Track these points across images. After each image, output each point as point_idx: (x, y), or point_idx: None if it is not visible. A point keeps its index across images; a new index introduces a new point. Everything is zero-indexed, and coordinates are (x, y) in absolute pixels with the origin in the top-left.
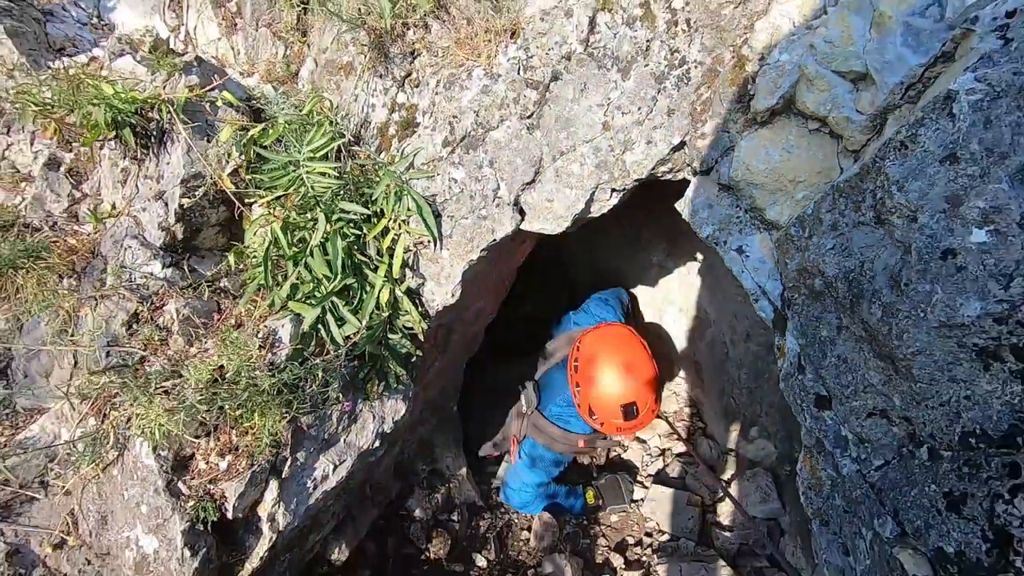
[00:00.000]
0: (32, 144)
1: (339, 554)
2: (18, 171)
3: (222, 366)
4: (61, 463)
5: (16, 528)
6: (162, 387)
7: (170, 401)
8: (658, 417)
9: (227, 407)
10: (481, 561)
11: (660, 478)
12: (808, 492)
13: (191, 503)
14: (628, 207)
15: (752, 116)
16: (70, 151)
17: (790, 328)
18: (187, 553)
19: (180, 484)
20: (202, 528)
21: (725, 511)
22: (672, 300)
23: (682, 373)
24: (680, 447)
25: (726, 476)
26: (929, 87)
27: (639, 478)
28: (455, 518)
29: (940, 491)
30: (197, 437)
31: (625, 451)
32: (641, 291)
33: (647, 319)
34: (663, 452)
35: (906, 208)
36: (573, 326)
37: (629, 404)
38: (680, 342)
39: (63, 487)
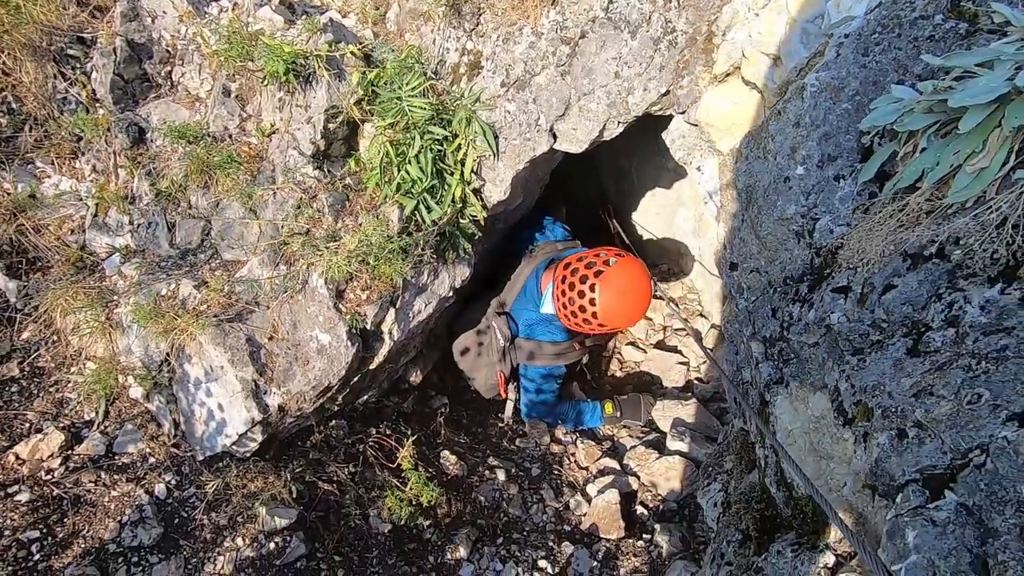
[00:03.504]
0: (199, 73)
1: (415, 377)
2: (190, 93)
3: (368, 235)
4: (265, 292)
5: (246, 326)
6: (327, 247)
7: (335, 254)
8: (663, 300)
9: (370, 259)
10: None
11: (658, 345)
12: (724, 324)
13: (348, 316)
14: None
15: (714, 76)
16: (234, 82)
17: (721, 220)
18: (349, 344)
19: (340, 306)
20: (355, 332)
21: (704, 370)
22: (683, 202)
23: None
24: (678, 324)
25: (711, 345)
26: (810, 71)
27: (641, 345)
28: None
29: (771, 307)
30: (348, 280)
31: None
32: (657, 192)
33: (662, 219)
34: (664, 328)
35: (774, 149)
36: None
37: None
38: (688, 238)
39: (267, 306)
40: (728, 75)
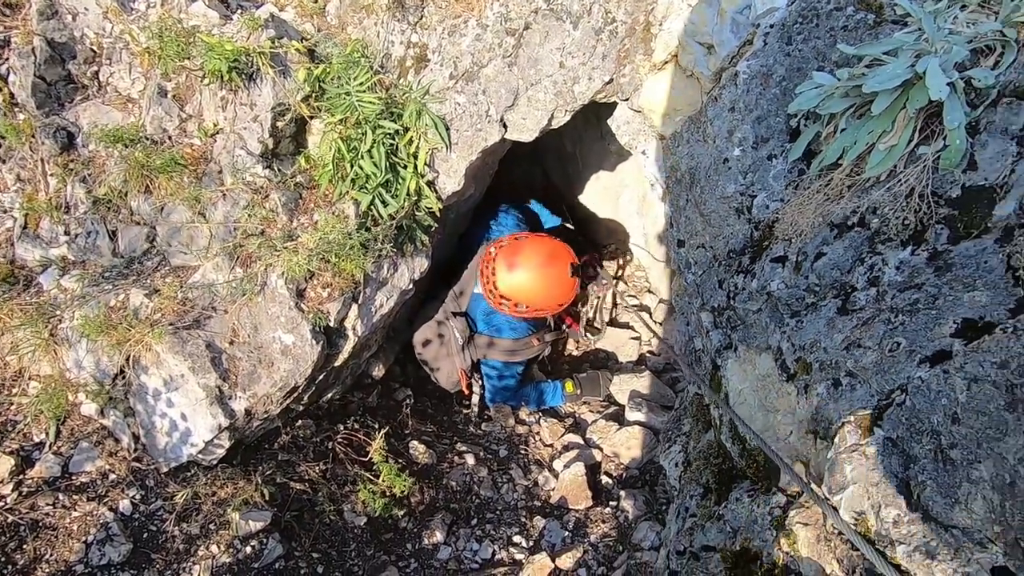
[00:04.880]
0: (130, 72)
1: (378, 371)
2: (121, 94)
3: (326, 233)
4: (222, 296)
5: (204, 332)
6: (284, 246)
7: (294, 253)
8: (614, 279)
9: (330, 257)
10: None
11: (611, 323)
12: (674, 298)
13: (311, 315)
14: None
15: (653, 64)
16: (170, 81)
17: (667, 201)
18: (314, 342)
19: (302, 305)
20: (319, 330)
21: (655, 343)
22: (627, 183)
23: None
24: (631, 300)
25: (660, 318)
26: (741, 59)
27: (596, 325)
28: None
29: (717, 279)
30: (309, 278)
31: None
32: (602, 175)
33: (607, 201)
34: (615, 305)
35: (713, 133)
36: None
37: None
38: (633, 219)
39: (225, 310)
40: (667, 63)
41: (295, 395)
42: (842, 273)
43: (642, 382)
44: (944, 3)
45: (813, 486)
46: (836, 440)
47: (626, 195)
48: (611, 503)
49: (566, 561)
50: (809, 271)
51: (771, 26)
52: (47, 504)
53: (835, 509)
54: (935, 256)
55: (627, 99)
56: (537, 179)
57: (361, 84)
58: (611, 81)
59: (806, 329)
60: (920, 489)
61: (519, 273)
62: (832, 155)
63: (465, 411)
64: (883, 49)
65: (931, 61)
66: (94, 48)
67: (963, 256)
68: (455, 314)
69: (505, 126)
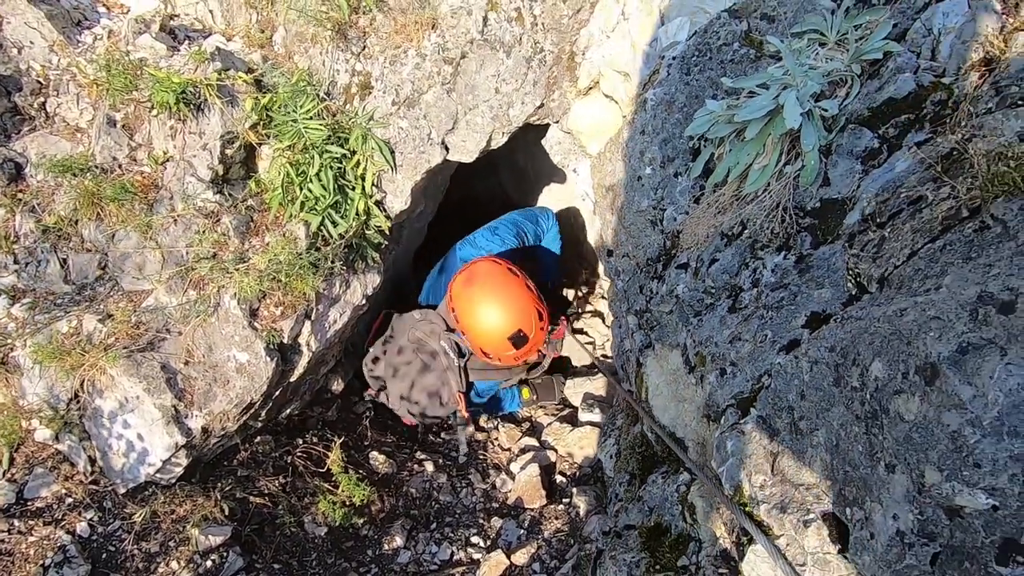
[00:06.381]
0: (78, 103)
1: (336, 386)
2: (69, 125)
3: (276, 254)
4: (176, 318)
5: (159, 354)
6: (236, 268)
7: (245, 275)
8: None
9: (281, 277)
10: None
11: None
12: (609, 303)
13: (264, 333)
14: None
15: (579, 90)
16: (118, 111)
17: (596, 214)
18: (268, 359)
19: (256, 324)
20: (273, 347)
21: (608, 347)
22: (576, 195)
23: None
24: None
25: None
26: (650, 87)
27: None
28: None
29: (639, 285)
30: (261, 298)
31: None
32: (553, 188)
33: (559, 209)
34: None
35: (628, 153)
36: (459, 263)
37: (515, 334)
38: (583, 230)
39: (179, 331)
40: (591, 89)
41: (252, 411)
42: (731, 276)
43: (595, 384)
44: (806, 42)
45: (700, 463)
46: (722, 421)
47: (576, 202)
48: (564, 500)
49: (521, 557)
50: (706, 275)
51: (673, 58)
52: (2, 531)
53: (719, 480)
54: (801, 259)
55: (557, 121)
56: (497, 193)
57: (307, 112)
58: (542, 105)
59: (704, 327)
60: (780, 456)
61: (475, 301)
62: (720, 174)
63: (454, 434)
64: (757, 82)
65: (789, 94)
66: (40, 80)
67: (820, 259)
68: (452, 329)
69: (447, 148)
